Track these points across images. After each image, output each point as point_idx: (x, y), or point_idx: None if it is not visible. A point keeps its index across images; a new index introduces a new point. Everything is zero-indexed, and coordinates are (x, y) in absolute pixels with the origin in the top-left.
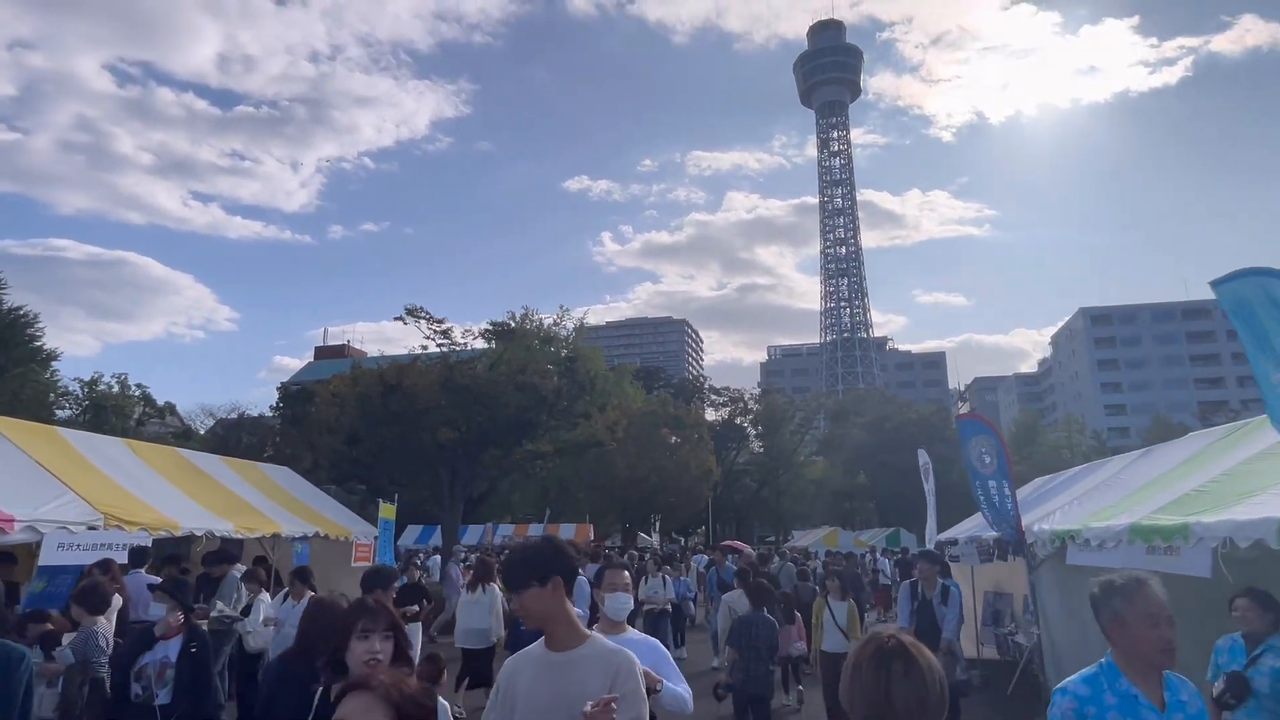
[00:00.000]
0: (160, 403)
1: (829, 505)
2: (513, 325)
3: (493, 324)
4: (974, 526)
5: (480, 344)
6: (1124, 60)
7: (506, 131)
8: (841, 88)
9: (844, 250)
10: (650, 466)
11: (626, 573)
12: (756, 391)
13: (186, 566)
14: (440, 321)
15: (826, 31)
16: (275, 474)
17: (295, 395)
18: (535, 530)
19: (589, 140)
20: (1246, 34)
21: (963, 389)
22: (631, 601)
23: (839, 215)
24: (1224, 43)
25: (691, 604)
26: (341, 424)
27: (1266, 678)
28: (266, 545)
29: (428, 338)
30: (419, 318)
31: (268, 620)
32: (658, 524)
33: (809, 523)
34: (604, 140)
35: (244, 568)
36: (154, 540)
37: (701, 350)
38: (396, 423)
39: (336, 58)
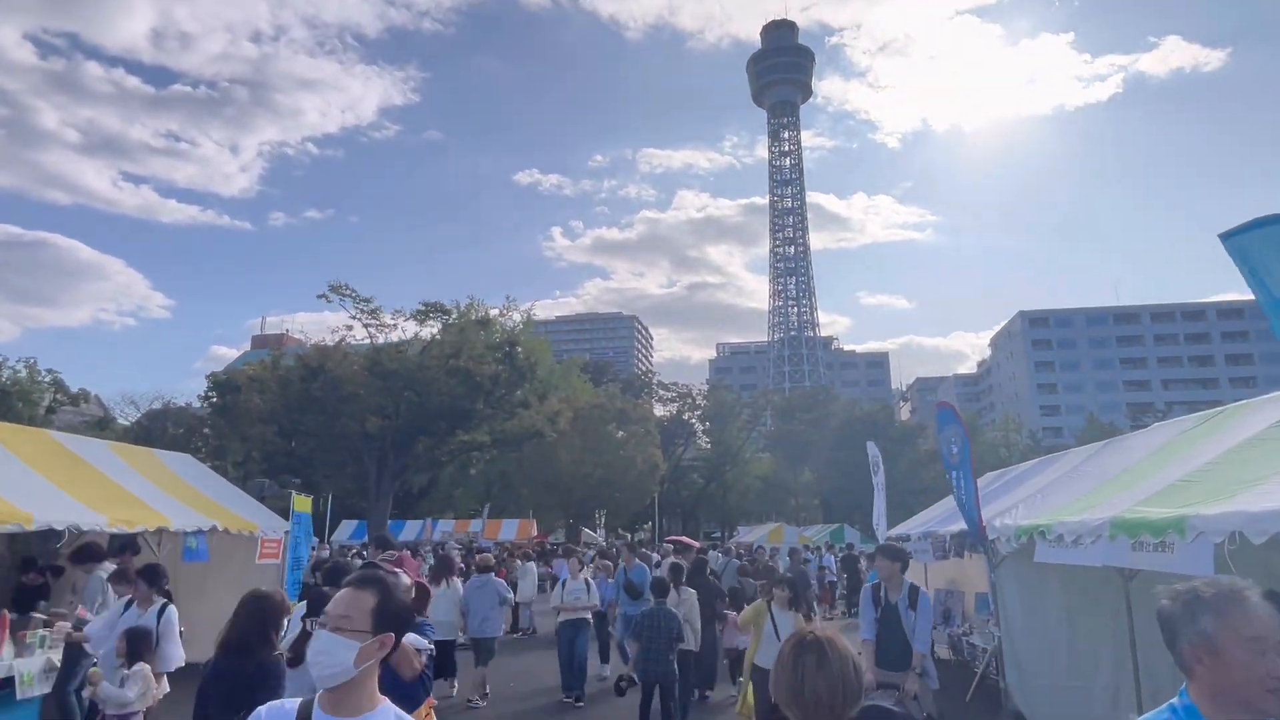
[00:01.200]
0: (74, 389)
1: (774, 501)
2: (447, 306)
3: (425, 304)
4: (928, 521)
5: (412, 327)
6: (1061, 74)
7: (456, 121)
8: (793, 88)
9: (793, 250)
10: (596, 461)
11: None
12: (705, 388)
13: (44, 566)
14: (368, 301)
15: (779, 31)
16: (173, 462)
17: (225, 384)
18: (475, 526)
19: (540, 134)
20: (1171, 54)
21: (905, 389)
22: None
23: (788, 215)
24: (1151, 62)
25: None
26: (275, 415)
27: None
28: (150, 541)
29: (354, 318)
30: (344, 295)
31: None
32: (603, 520)
33: (754, 519)
34: (555, 134)
35: (113, 566)
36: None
37: (651, 347)
38: (319, 410)
39: (280, 39)
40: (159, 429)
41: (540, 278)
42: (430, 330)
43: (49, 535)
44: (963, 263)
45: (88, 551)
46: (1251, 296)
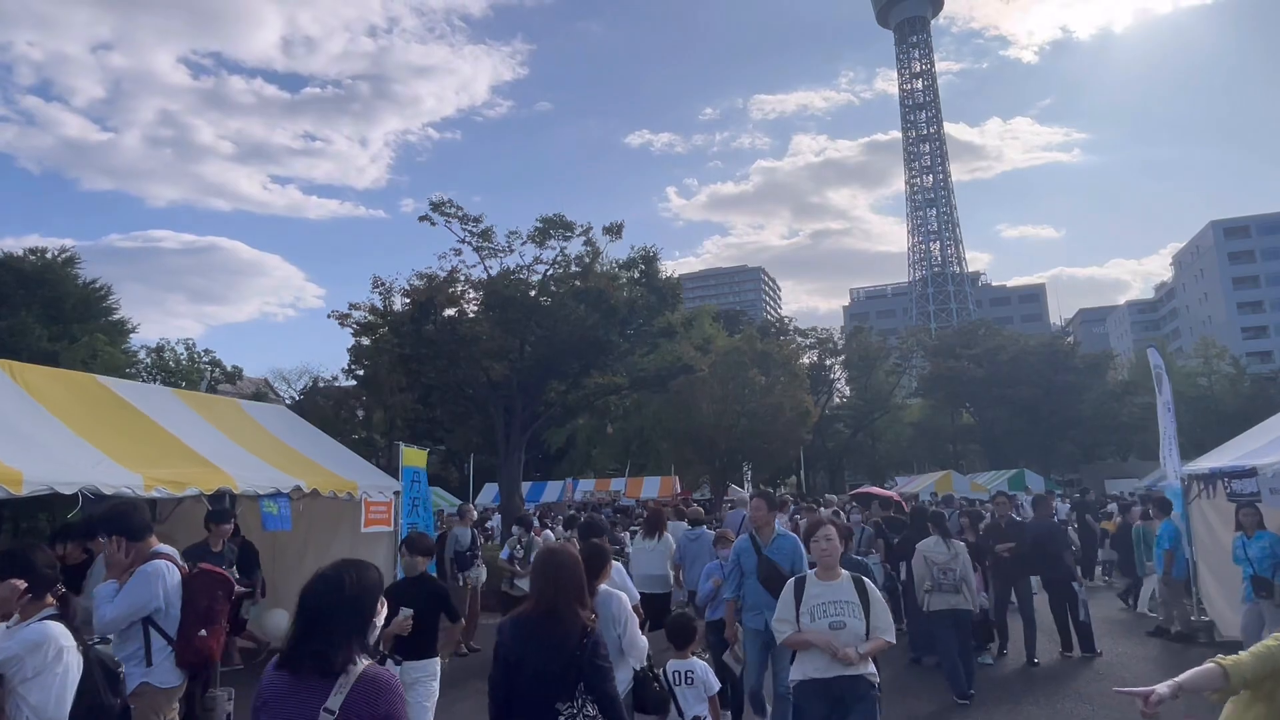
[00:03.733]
0: (229, 368)
1: (930, 448)
2: (570, 221)
3: (544, 219)
4: (1245, 452)
5: (531, 251)
6: None
7: (564, 90)
8: (922, 2)
9: (931, 179)
10: (740, 410)
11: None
12: (843, 333)
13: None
14: (477, 221)
15: None
16: (261, 413)
17: (364, 352)
18: (617, 485)
19: (648, 92)
20: None
21: (1065, 324)
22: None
23: (924, 142)
24: None
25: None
26: (395, 367)
27: None
28: (206, 505)
29: (463, 241)
30: (450, 216)
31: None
32: (749, 473)
33: (907, 468)
34: (663, 92)
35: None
36: None
37: (779, 299)
38: (436, 355)
39: (393, 30)
40: (310, 404)
41: (658, 239)
42: (551, 253)
43: (43, 499)
44: (1117, 182)
45: (111, 520)
46: None
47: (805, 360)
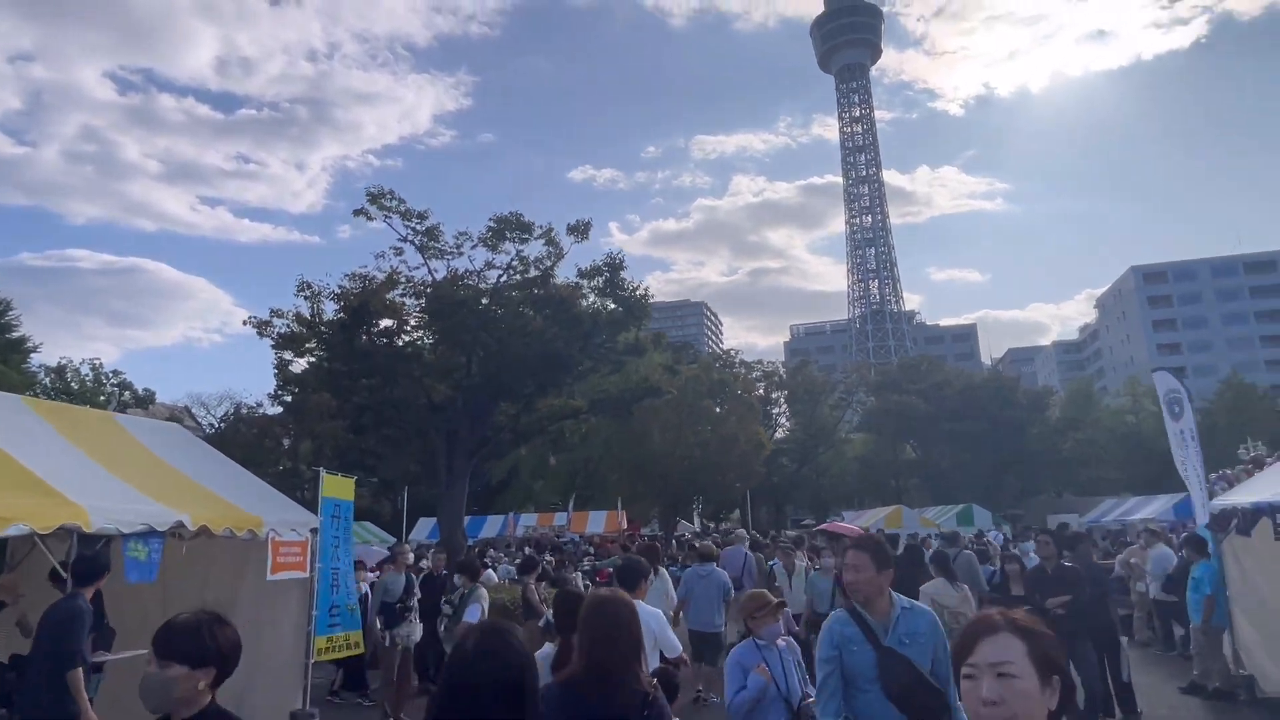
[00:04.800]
0: (141, 391)
1: (872, 483)
2: (528, 222)
3: (498, 220)
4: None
5: (483, 256)
6: (1135, 23)
7: (508, 123)
8: (862, 49)
9: (870, 220)
10: (694, 440)
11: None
12: (790, 365)
13: None
14: (422, 217)
15: None
16: (145, 431)
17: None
18: (561, 519)
19: (592, 129)
20: None
21: (995, 362)
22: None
23: (863, 184)
24: (1239, 0)
25: None
26: (346, 406)
27: None
28: (48, 548)
29: (404, 240)
30: (390, 211)
31: None
32: (698, 507)
33: (851, 503)
34: (607, 128)
35: None
36: None
37: (721, 333)
38: (369, 372)
39: (334, 55)
40: (233, 433)
41: None
42: (506, 257)
43: None
44: (1036, 231)
45: None
46: None
47: (757, 392)
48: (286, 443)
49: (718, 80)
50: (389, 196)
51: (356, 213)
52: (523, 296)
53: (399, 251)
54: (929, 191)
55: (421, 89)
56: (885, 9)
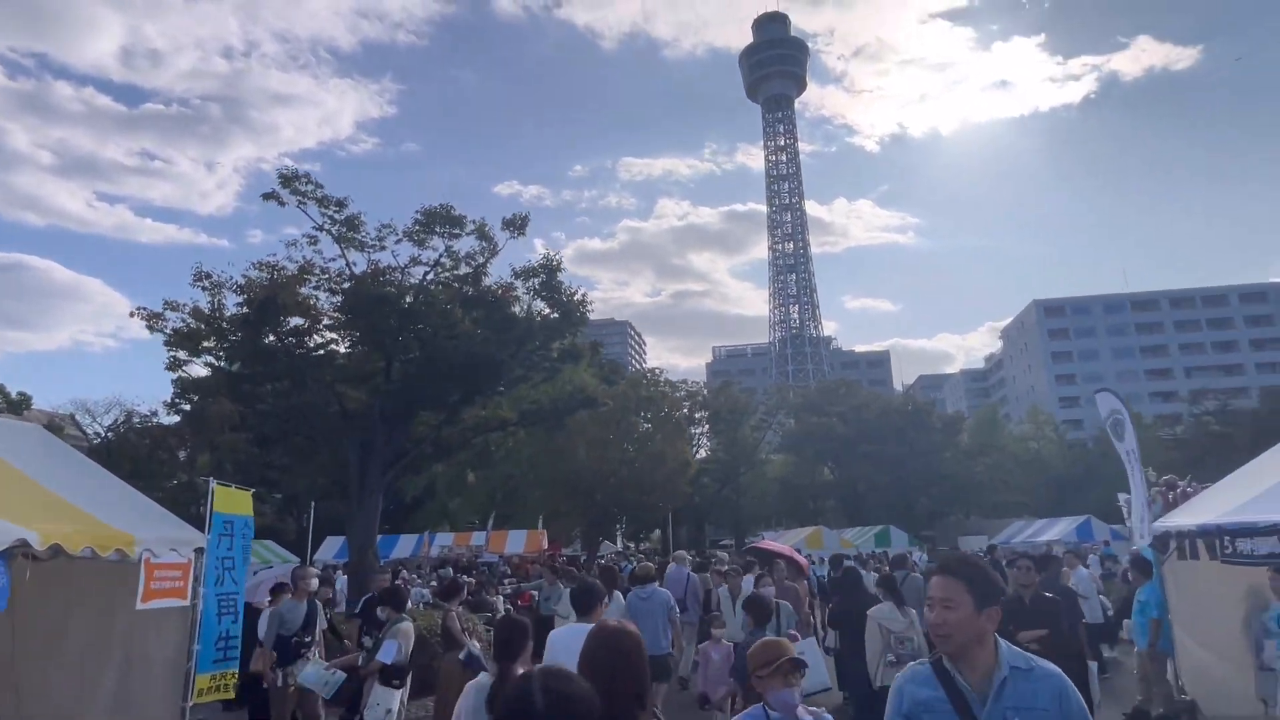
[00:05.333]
0: (14, 395)
1: (791, 504)
2: (459, 215)
3: (426, 212)
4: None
5: (409, 251)
6: (1034, 76)
7: (434, 134)
8: (788, 81)
9: (791, 247)
10: (620, 458)
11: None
12: (714, 385)
13: None
14: (340, 205)
15: (772, 24)
16: None
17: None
18: (478, 539)
19: (519, 145)
20: (1143, 54)
21: (906, 388)
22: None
23: (786, 211)
24: (1123, 62)
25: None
26: (250, 415)
27: None
28: None
29: (320, 229)
30: (305, 197)
31: None
32: (621, 527)
33: (769, 523)
34: (534, 146)
35: None
36: None
37: (644, 353)
38: (275, 374)
39: (252, 54)
40: (123, 443)
41: None
42: (434, 253)
43: None
44: (944, 265)
45: None
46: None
47: (682, 411)
48: (183, 455)
49: (646, 104)
50: (304, 180)
51: (266, 197)
52: (451, 295)
53: (313, 241)
54: (846, 223)
55: (344, 94)
56: (810, 45)
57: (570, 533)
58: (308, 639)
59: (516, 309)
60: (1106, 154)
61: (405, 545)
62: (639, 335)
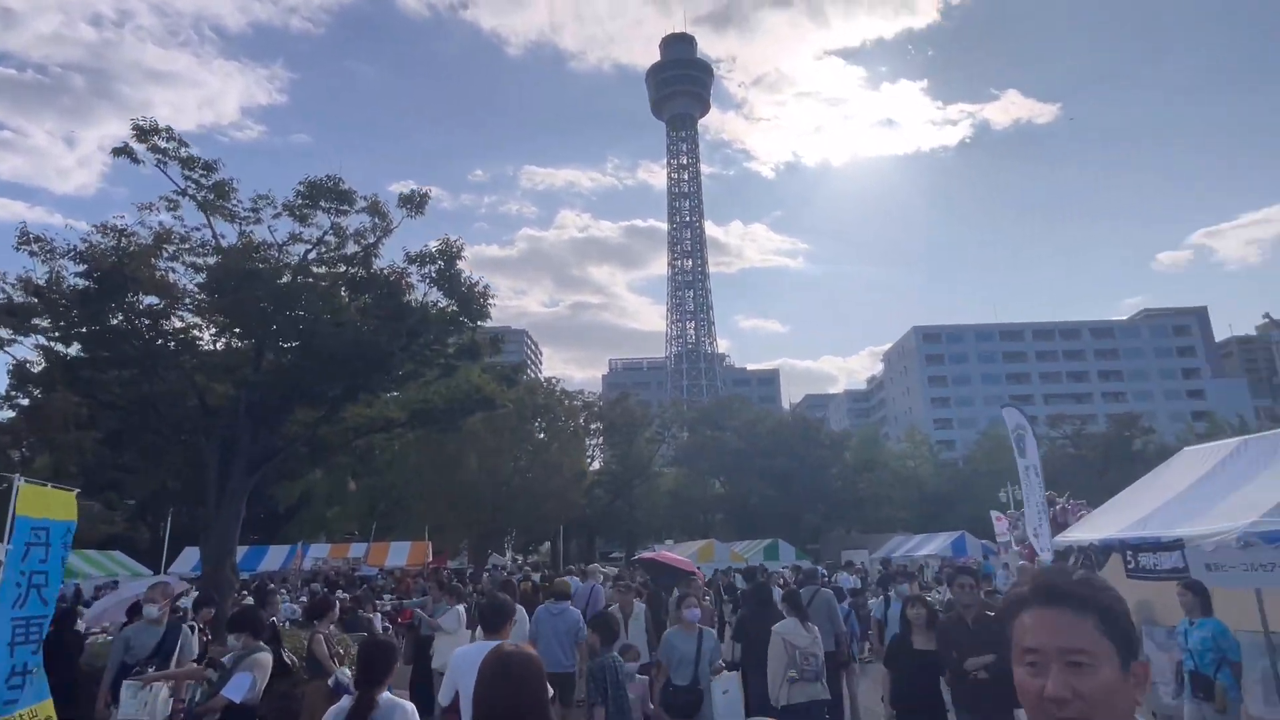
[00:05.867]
0: None
1: (682, 517)
2: (347, 189)
3: (309, 185)
4: (1129, 521)
5: (289, 227)
6: (917, 118)
7: (326, 126)
8: (692, 101)
9: (690, 264)
10: (514, 467)
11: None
12: (610, 397)
13: None
14: (209, 169)
15: (680, 44)
16: None
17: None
18: (357, 551)
19: (417, 144)
20: (1011, 106)
21: (793, 406)
22: None
23: (686, 229)
24: (995, 112)
25: None
26: (98, 414)
27: None
28: None
29: (182, 193)
30: (164, 154)
31: None
32: (511, 540)
33: (660, 536)
34: (433, 146)
35: None
36: None
37: (541, 362)
38: (122, 360)
39: (125, 25)
40: None
41: None
42: (319, 231)
43: None
44: (831, 290)
45: None
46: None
47: (579, 420)
48: (17, 455)
49: (550, 114)
50: (164, 135)
51: (117, 152)
52: (336, 277)
53: (173, 206)
54: (740, 244)
55: (229, 77)
56: (714, 70)
57: (457, 545)
58: (150, 668)
59: (410, 298)
60: (979, 194)
61: (275, 557)
62: (536, 344)
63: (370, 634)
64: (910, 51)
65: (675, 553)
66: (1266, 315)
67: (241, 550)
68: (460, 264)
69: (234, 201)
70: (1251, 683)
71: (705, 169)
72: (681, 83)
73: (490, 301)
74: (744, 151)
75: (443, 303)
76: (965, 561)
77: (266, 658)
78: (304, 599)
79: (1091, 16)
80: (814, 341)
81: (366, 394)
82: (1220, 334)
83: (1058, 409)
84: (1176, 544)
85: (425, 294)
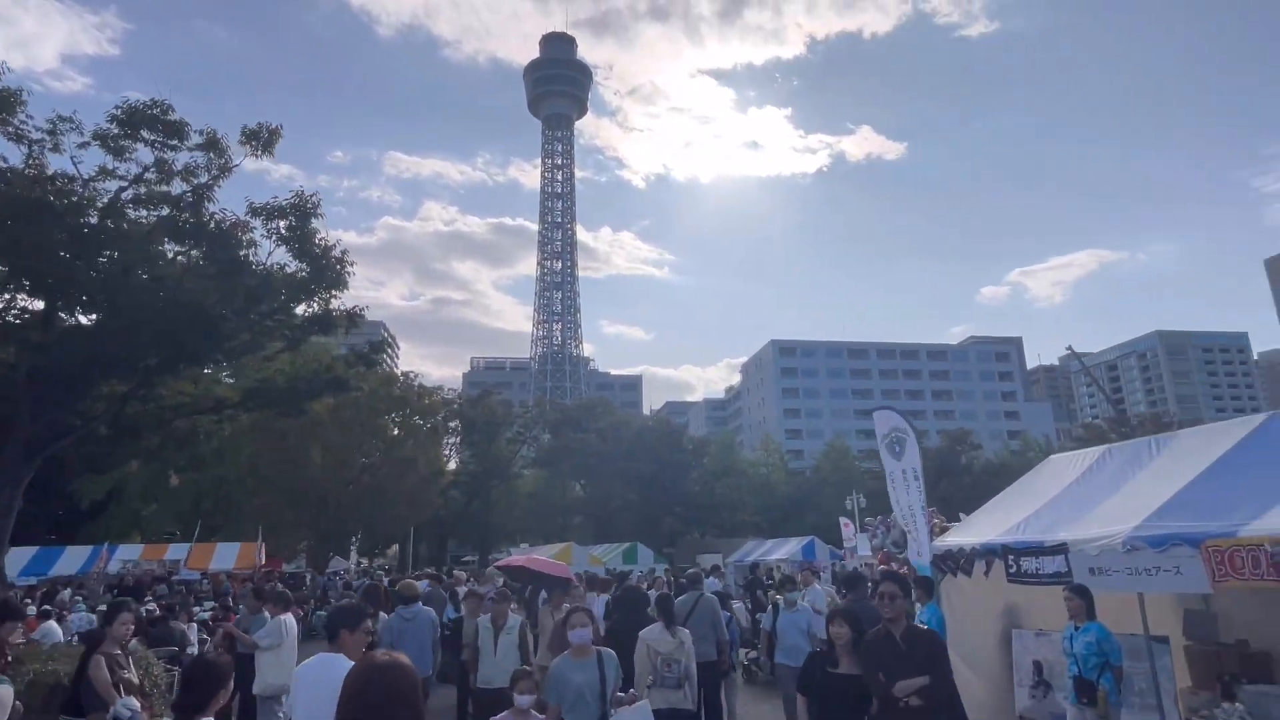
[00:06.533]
0: None
1: (540, 519)
2: (176, 118)
3: (127, 109)
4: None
5: (100, 160)
6: (781, 144)
7: (163, 85)
8: (570, 102)
9: (560, 265)
10: (364, 463)
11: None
12: (472, 395)
13: None
14: None
15: (560, 43)
16: None
17: None
18: (176, 553)
19: (270, 118)
20: (864, 141)
21: (654, 412)
22: None
23: (558, 229)
24: (850, 145)
25: None
26: None
27: None
28: None
29: None
30: None
31: None
32: (357, 542)
33: (515, 539)
34: (288, 120)
35: None
36: None
37: (398, 357)
38: None
39: None
40: None
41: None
42: (137, 168)
43: None
44: (692, 302)
45: None
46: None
47: (439, 416)
48: None
49: (421, 101)
50: None
51: None
52: (159, 224)
53: None
54: (609, 251)
55: (49, 18)
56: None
57: (295, 546)
58: None
59: (251, 256)
60: (833, 220)
61: (73, 559)
62: (393, 338)
63: (194, 646)
64: (778, 79)
65: (533, 556)
66: (1069, 348)
67: (28, 551)
68: (316, 224)
69: (21, 116)
70: (1130, 685)
71: (579, 173)
72: (560, 82)
73: (349, 269)
74: (616, 159)
75: (292, 266)
76: (814, 565)
77: (6, 692)
78: (103, 608)
79: (938, 65)
80: (675, 350)
81: (190, 366)
82: (1031, 363)
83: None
84: (1061, 548)
85: (270, 253)
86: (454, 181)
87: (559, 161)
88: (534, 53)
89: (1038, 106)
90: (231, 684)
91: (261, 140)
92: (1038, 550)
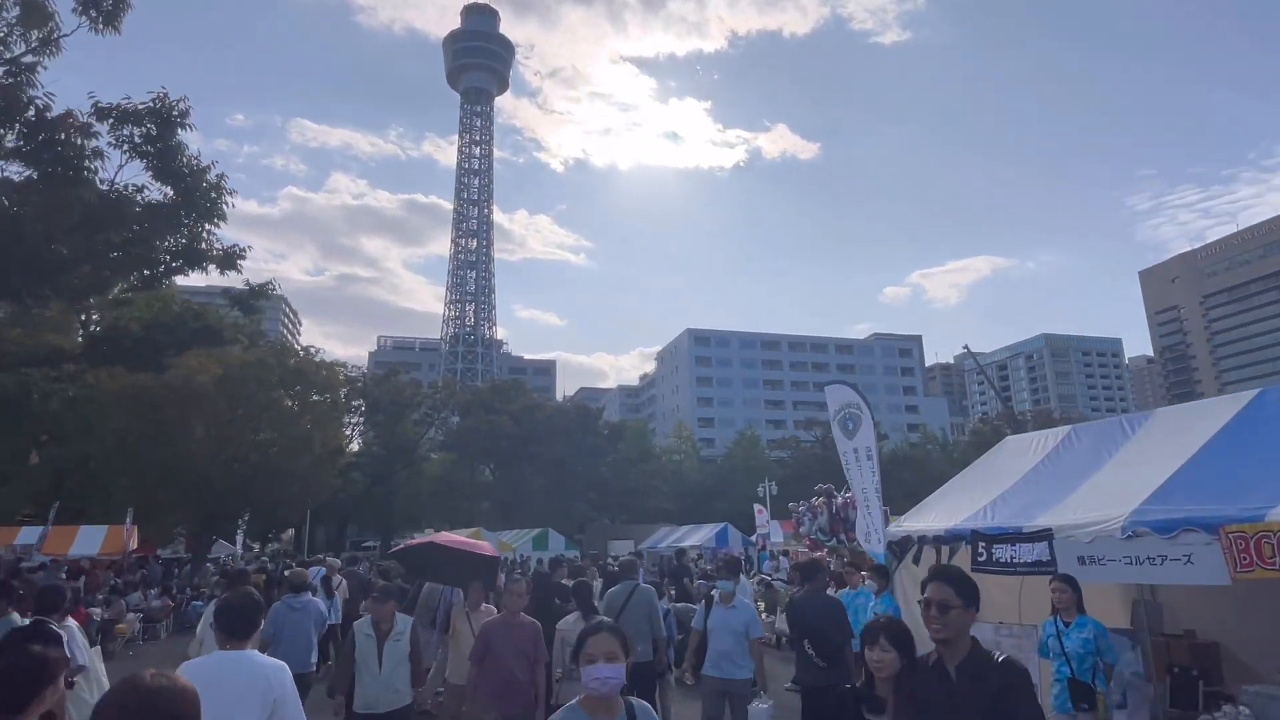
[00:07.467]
0: None
1: (446, 505)
2: None
3: None
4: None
5: None
6: (699, 136)
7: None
8: (491, 77)
9: (475, 244)
10: (253, 440)
11: None
12: (378, 374)
13: None
14: None
15: (483, 16)
16: None
17: None
18: (28, 537)
19: (160, 70)
20: (780, 139)
21: (568, 398)
22: None
23: (474, 207)
24: (766, 142)
25: None
26: None
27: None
28: None
29: None
30: None
31: None
32: (244, 525)
33: (421, 524)
34: (182, 77)
35: None
36: None
37: (299, 333)
38: None
39: None
40: None
41: None
42: None
43: None
44: (606, 288)
45: None
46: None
47: (339, 395)
48: None
49: (331, 68)
50: None
51: None
52: None
53: None
54: (525, 234)
55: None
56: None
57: (173, 530)
58: None
59: (97, 166)
60: (748, 215)
61: None
62: (295, 313)
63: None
64: (699, 71)
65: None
66: (965, 347)
67: None
68: (185, 139)
69: None
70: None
71: (496, 152)
72: (481, 55)
73: (228, 200)
74: (535, 141)
75: (153, 187)
76: (727, 553)
77: None
78: None
79: (852, 69)
80: (589, 337)
81: (9, 303)
82: (929, 360)
83: (806, 415)
84: (1044, 534)
85: (121, 166)
86: (364, 153)
87: (477, 137)
88: (453, 25)
89: (942, 117)
90: (45, 685)
91: (103, 8)
92: (1015, 536)
